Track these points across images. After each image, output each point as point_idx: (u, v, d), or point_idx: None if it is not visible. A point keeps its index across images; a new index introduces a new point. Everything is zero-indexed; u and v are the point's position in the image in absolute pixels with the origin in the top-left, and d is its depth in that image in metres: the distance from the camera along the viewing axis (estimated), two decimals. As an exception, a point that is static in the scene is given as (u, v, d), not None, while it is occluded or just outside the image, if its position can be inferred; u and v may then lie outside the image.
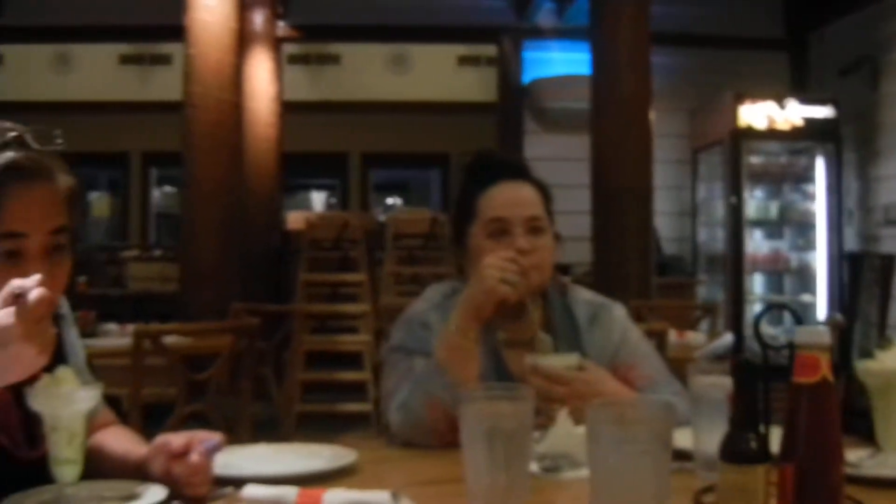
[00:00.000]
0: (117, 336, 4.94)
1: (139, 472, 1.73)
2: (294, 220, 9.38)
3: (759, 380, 1.49)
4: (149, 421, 3.97)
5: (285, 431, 6.29)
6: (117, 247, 11.03)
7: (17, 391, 1.59)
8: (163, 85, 12.17)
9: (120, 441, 1.89)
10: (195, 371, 4.16)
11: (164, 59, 12.46)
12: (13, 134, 1.63)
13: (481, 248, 2.30)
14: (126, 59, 12.66)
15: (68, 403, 1.53)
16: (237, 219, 6.22)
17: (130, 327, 4.73)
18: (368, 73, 12.61)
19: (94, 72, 12.57)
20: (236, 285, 6.13)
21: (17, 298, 1.38)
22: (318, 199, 15.29)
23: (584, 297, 2.49)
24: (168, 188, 14.56)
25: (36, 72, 12.24)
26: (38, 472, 1.64)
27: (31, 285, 1.39)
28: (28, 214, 1.61)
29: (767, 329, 7.35)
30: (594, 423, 1.44)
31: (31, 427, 1.72)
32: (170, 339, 4.10)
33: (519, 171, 2.42)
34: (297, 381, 5.67)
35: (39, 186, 1.63)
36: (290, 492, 1.63)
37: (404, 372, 2.33)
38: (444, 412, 2.15)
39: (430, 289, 2.48)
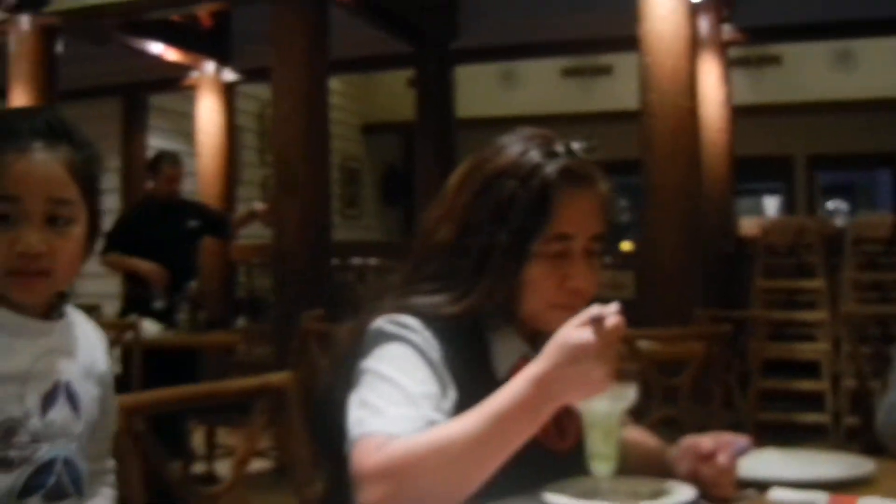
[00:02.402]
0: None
1: (659, 470, 1.77)
2: (747, 225, 9.24)
3: None
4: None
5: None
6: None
7: None
8: (603, 95, 12.42)
9: (642, 439, 1.94)
10: (662, 376, 4.17)
11: (604, 70, 12.69)
12: (561, 142, 1.73)
13: None
14: (568, 73, 13.01)
15: (607, 402, 1.58)
16: (696, 225, 6.20)
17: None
18: (811, 72, 12.18)
19: (538, 86, 13.00)
20: (697, 291, 6.10)
21: (595, 322, 1.46)
22: (771, 204, 14.95)
23: None
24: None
25: (485, 89, 12.85)
26: (566, 462, 1.73)
27: (610, 312, 1.47)
28: (576, 218, 1.70)
29: None
30: None
31: (562, 420, 1.80)
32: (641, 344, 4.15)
33: None
34: (756, 389, 5.59)
35: (586, 192, 1.73)
36: (820, 497, 1.61)
37: None
38: None
39: None
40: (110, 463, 1.90)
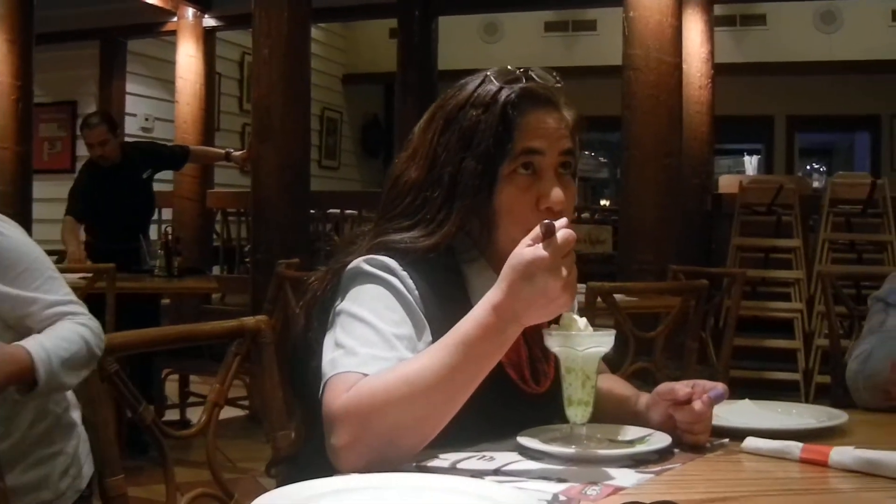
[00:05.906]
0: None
1: (632, 417, 1.78)
2: (726, 183, 9.24)
3: None
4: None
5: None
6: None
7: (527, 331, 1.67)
8: (586, 50, 12.38)
9: (616, 386, 1.94)
10: (639, 330, 4.17)
11: (587, 25, 12.65)
12: (521, 69, 1.75)
13: None
14: (551, 27, 12.96)
15: (584, 347, 1.57)
16: (675, 181, 6.21)
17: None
18: (795, 32, 12.14)
19: (521, 39, 12.97)
20: (672, 247, 6.12)
21: (546, 236, 1.45)
22: (750, 163, 15.00)
23: None
24: (584, 153, 14.75)
25: (466, 41, 12.77)
26: (540, 407, 1.74)
27: (560, 225, 1.46)
28: (542, 134, 1.71)
29: None
30: None
31: (537, 364, 1.82)
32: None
33: None
34: (729, 346, 5.61)
35: (551, 112, 1.73)
36: (794, 446, 1.60)
37: (876, 324, 2.27)
38: None
39: None
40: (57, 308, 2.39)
